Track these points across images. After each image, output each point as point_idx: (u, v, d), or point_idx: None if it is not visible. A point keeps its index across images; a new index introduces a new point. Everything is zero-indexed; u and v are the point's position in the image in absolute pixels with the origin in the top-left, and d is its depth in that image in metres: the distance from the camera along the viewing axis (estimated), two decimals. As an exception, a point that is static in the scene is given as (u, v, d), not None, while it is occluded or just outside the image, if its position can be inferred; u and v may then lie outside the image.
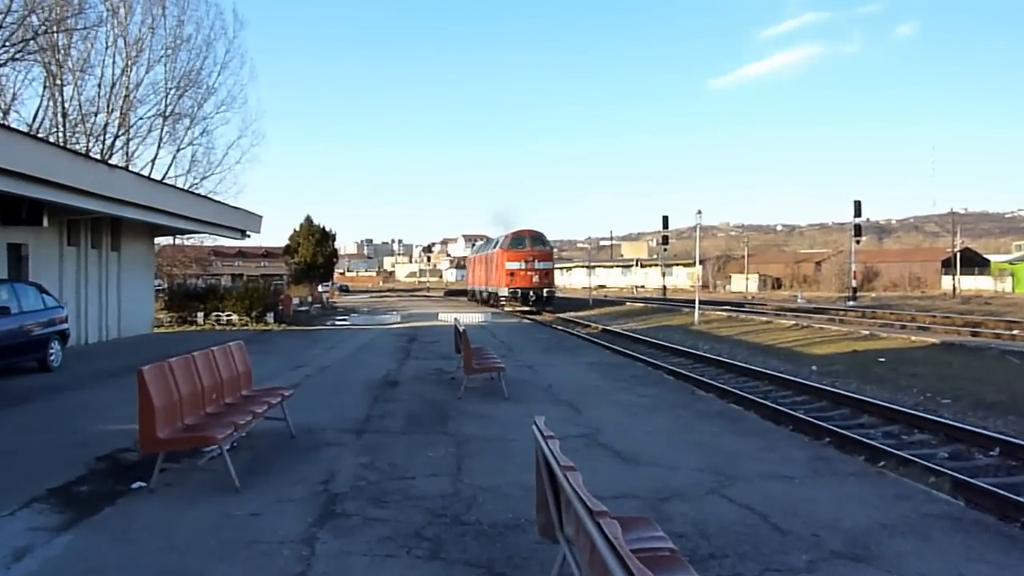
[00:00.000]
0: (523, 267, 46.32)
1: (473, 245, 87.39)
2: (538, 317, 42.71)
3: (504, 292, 46.40)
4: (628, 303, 55.79)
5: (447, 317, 32.22)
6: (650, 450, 8.88)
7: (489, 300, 51.06)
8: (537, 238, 48.07)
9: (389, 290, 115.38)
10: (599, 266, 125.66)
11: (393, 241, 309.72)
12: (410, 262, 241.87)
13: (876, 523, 6.66)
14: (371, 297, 78.91)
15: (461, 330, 13.22)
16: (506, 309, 45.29)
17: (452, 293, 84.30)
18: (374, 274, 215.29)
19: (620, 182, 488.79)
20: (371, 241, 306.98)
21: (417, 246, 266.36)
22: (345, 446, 9.11)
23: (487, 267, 53.33)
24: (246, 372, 9.70)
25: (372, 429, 10.03)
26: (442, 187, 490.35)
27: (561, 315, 45.30)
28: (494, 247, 51.95)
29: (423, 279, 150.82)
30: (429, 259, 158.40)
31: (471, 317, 31.46)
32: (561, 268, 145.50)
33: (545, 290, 46.34)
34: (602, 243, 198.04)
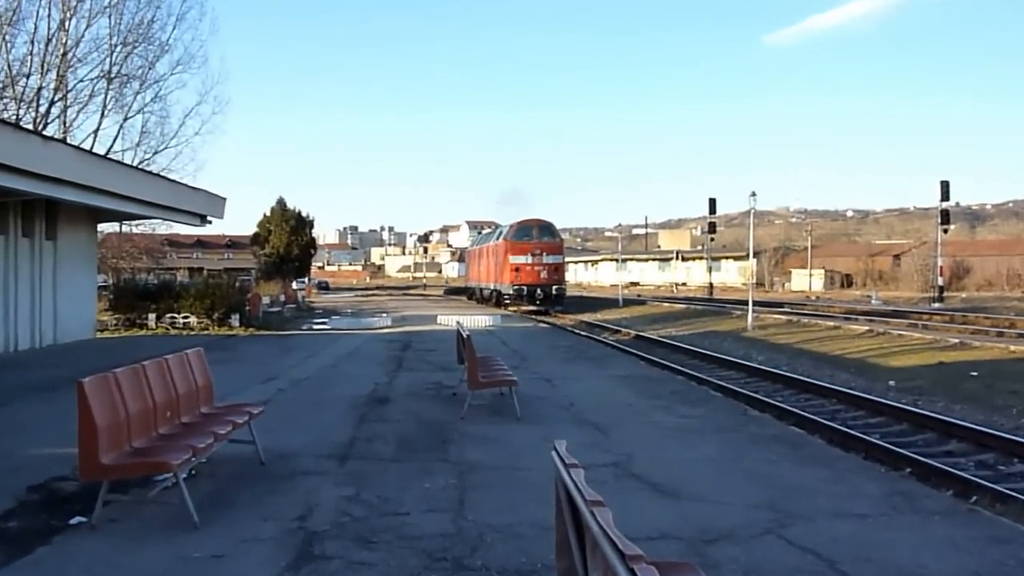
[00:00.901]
0: (529, 261, 48.10)
1: (480, 232, 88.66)
2: (557, 320, 43.80)
3: (508, 289, 48.06)
4: (667, 304, 55.90)
5: (447, 320, 32.58)
6: (693, 482, 8.91)
7: (491, 299, 52.68)
8: (545, 229, 49.73)
9: (378, 288, 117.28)
10: (632, 259, 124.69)
11: (382, 229, 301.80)
12: (403, 254, 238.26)
13: (967, 572, 6.64)
14: (356, 296, 79.13)
15: (465, 336, 13.27)
16: (510, 309, 46.87)
17: (454, 292, 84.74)
18: (359, 268, 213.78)
19: (657, 160, 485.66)
20: (356, 229, 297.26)
21: (411, 235, 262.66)
22: (325, 475, 9.18)
23: (489, 261, 55.09)
24: (207, 385, 9.73)
25: (357, 455, 10.06)
26: (442, 167, 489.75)
27: (585, 317, 45.92)
28: (497, 239, 53.57)
29: (419, 274, 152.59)
30: (426, 250, 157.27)
31: (476, 320, 31.77)
32: (585, 261, 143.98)
33: (554, 287, 48.03)
34: (636, 231, 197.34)
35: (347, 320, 34.42)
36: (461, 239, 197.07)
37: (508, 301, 48.25)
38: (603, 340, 31.17)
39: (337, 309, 47.86)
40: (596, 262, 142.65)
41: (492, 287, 52.89)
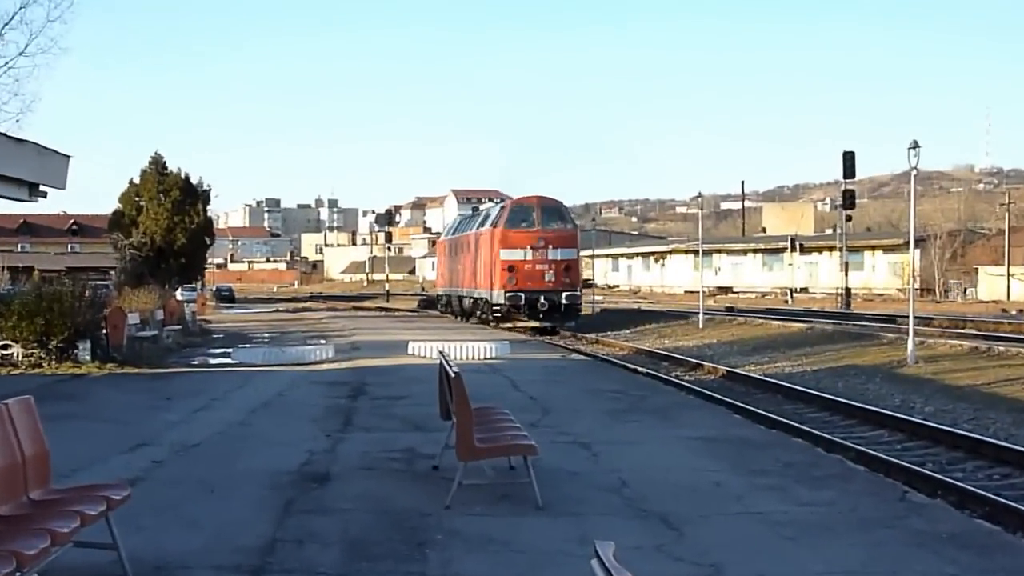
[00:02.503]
0: (529, 258, 38.32)
1: (475, 209, 62.37)
2: (598, 349, 34.77)
3: (497, 298, 38.38)
4: (776, 321, 39.44)
5: (424, 349, 24.88)
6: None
7: (473, 311, 42.87)
8: (552, 211, 39.99)
9: (313, 297, 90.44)
10: (720, 250, 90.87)
11: (320, 205, 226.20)
12: (352, 243, 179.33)
13: None
14: (279, 312, 60.51)
15: (452, 375, 9.57)
16: (503, 326, 38.63)
17: (432, 303, 61.32)
18: (283, 267, 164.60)
19: (760, 95, 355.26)
20: (278, 205, 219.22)
21: (366, 214, 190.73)
22: (228, 603, 7.18)
23: (468, 257, 44.19)
24: (39, 456, 7.66)
25: (281, 567, 7.50)
26: (415, 115, 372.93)
27: (645, 343, 35.58)
28: (481, 225, 42.95)
29: (378, 276, 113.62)
30: (389, 238, 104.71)
31: (470, 349, 24.46)
32: (644, 254, 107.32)
33: (565, 294, 37.96)
34: (726, 206, 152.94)
35: (264, 351, 25.44)
36: (444, 218, 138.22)
37: (498, 314, 38.73)
38: (673, 380, 23.43)
39: (249, 333, 37.21)
40: (662, 255, 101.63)
41: (474, 295, 42.32)
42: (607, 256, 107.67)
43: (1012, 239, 69.22)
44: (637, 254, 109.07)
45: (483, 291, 40.44)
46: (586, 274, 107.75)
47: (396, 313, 57.81)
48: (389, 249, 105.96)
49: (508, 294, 37.77)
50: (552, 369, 22.54)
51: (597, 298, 58.60)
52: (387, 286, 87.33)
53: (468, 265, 44.15)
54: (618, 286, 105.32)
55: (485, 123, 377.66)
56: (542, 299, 37.59)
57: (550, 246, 38.48)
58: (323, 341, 29.87)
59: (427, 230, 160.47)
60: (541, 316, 38.11)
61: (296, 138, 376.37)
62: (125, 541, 7.29)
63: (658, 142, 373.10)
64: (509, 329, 37.59)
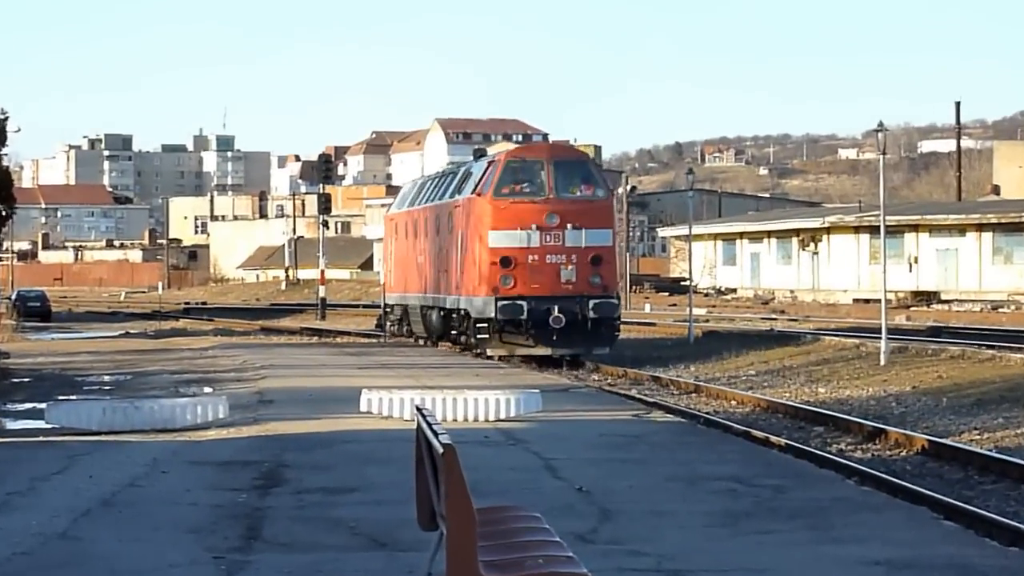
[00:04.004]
0: (535, 243, 26.57)
1: (482, 150, 37.46)
2: (700, 404, 22.11)
3: (483, 308, 26.61)
4: (1018, 353, 25.65)
5: (387, 403, 15.45)
6: None
7: (444, 331, 30.64)
8: (572, 167, 28.24)
9: (190, 313, 59.81)
10: (920, 226, 56.45)
11: (204, 143, 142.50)
12: (259, 215, 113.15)
13: None
14: (129, 336, 42.17)
15: (439, 448, 4.97)
16: (490, 354, 27.29)
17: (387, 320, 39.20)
18: (137, 256, 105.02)
19: None
20: (127, 146, 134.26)
21: (288, 162, 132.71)
22: None
23: (436, 243, 31.03)
24: None
25: None
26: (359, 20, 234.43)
27: (779, 392, 23.58)
28: (456, 190, 29.73)
29: (306, 273, 77.27)
30: (327, 206, 62.66)
31: (470, 403, 14.64)
32: (780, 232, 66.98)
33: (593, 302, 26.28)
34: (927, 145, 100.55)
35: (104, 408, 15.97)
36: (430, 166, 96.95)
37: (484, 336, 26.88)
38: (833, 459, 14.77)
39: (77, 374, 25.38)
40: (814, 235, 62.33)
41: (445, 304, 29.60)
42: (714, 237, 70.59)
43: None
44: (768, 234, 67.33)
45: (460, 298, 27.96)
46: (676, 268, 77.23)
47: (339, 339, 38.97)
48: (326, 225, 62.09)
49: (502, 303, 25.78)
50: (617, 439, 14.17)
51: (697, 311, 40.06)
52: (322, 291, 53.66)
53: (435, 256, 30.72)
54: (734, 291, 68.24)
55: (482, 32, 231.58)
56: (555, 310, 25.62)
57: (569, 225, 26.33)
58: (209, 389, 20.41)
59: (393, 189, 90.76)
60: (555, 338, 26.11)
61: (161, 36, 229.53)
62: None
63: (806, 37, 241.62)
64: (505, 359, 26.89)
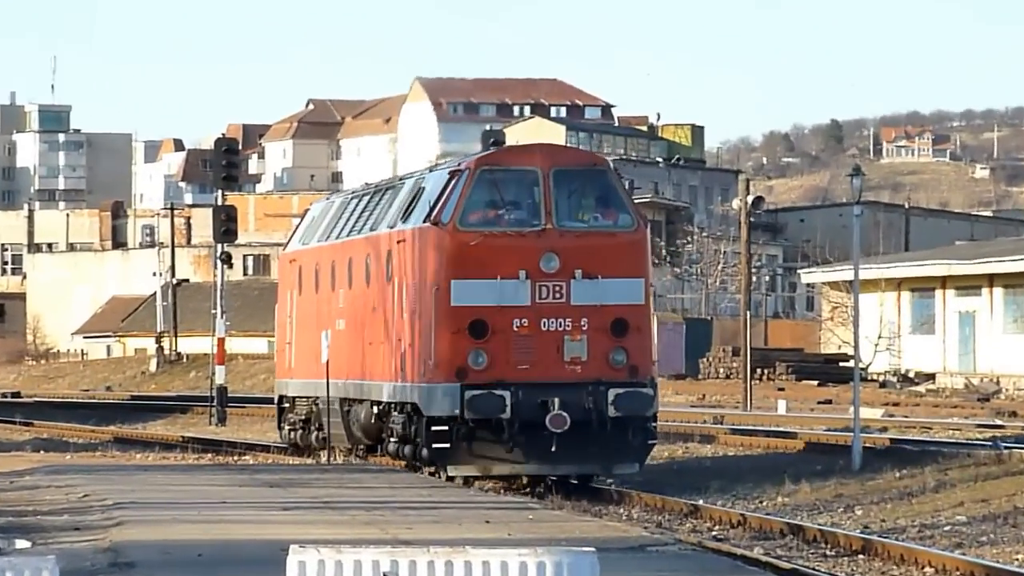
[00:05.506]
0: (523, 300, 18.25)
1: (496, 137, 23.15)
2: (845, 570, 12.29)
3: (440, 402, 18.21)
4: None
5: (330, 571, 6.85)
6: None
7: (379, 438, 21.24)
8: (584, 179, 19.60)
9: None
10: None
11: (17, 117, 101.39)
12: (111, 243, 76.74)
13: None
14: None
15: None
16: (452, 473, 18.88)
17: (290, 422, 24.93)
18: None
19: None
20: None
21: (168, 149, 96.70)
22: None
23: (361, 302, 21.88)
24: None
25: None
26: None
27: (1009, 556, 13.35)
28: (402, 216, 20.38)
29: (190, 340, 53.83)
30: (229, 223, 36.85)
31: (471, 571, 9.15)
32: (1007, 277, 45.28)
33: (614, 392, 17.94)
34: None
35: None
36: (407, 160, 71.61)
37: (443, 444, 18.10)
38: None
39: None
40: None
41: (380, 395, 20.54)
42: (896, 285, 48.42)
43: None
44: (990, 279, 45.81)
45: (405, 386, 19.15)
46: (831, 337, 45.42)
47: (250, 458, 26.35)
48: (228, 261, 40.15)
49: (472, 394, 17.70)
50: None
51: (868, 413, 28.72)
52: (220, 375, 36.51)
53: (363, 319, 21.46)
54: (931, 377, 48.08)
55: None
56: (557, 405, 17.50)
57: (577, 272, 18.08)
58: (24, 543, 10.97)
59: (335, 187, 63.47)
60: (554, 449, 17.70)
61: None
62: None
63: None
64: (478, 480, 18.93)
